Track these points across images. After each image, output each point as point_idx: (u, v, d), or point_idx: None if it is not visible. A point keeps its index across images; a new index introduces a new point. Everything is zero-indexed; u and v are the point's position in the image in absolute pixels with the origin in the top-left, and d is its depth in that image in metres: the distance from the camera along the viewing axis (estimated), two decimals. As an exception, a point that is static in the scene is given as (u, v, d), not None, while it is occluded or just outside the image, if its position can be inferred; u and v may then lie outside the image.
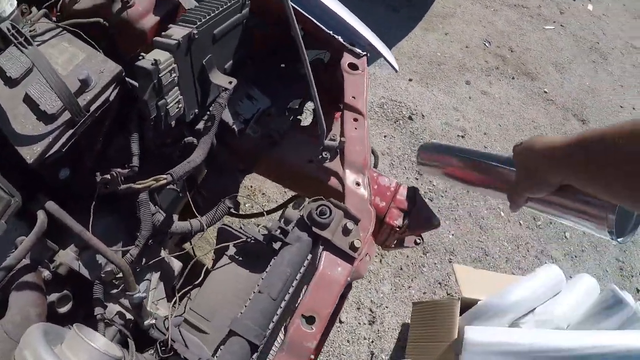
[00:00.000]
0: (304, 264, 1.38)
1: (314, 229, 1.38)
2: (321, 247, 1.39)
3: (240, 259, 1.53)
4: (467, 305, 2.59)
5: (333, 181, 1.71)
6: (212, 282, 1.51)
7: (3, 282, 1.22)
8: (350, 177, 1.54)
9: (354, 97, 1.68)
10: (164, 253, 1.65)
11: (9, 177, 1.26)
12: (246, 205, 3.12)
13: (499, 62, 5.15)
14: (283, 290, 1.32)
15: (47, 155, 1.30)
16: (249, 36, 1.83)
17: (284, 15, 1.54)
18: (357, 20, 1.90)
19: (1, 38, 1.36)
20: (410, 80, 4.54)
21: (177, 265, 1.68)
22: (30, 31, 1.44)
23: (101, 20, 1.57)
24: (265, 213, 1.97)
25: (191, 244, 1.76)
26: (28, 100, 1.32)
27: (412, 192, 1.82)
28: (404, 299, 3.13)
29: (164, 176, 1.39)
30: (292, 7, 1.56)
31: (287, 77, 2.05)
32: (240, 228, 1.54)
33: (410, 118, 4.17)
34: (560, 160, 1.00)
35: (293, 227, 1.42)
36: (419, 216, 1.79)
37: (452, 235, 3.54)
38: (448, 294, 3.22)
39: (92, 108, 1.37)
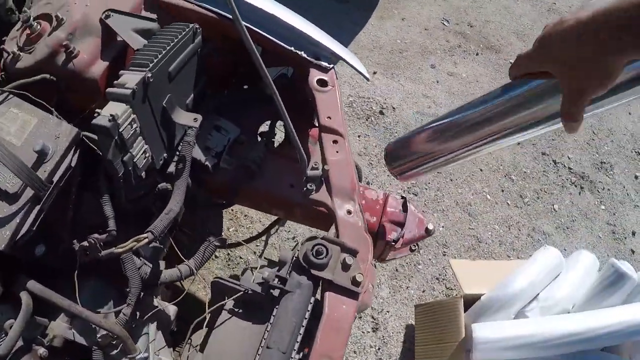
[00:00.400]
0: (308, 309, 1.31)
1: (312, 271, 1.31)
2: (323, 288, 1.32)
3: (240, 311, 1.46)
4: (470, 300, 2.53)
5: (314, 202, 1.61)
6: (216, 342, 1.44)
7: None
8: (340, 206, 1.45)
9: (329, 118, 1.58)
10: (156, 301, 1.59)
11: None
12: (230, 229, 3.02)
13: (460, 39, 5.09)
14: (292, 342, 1.25)
15: (17, 238, 1.20)
16: (205, 64, 1.72)
17: (237, 36, 1.44)
18: (318, 30, 1.80)
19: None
20: (374, 73, 4.43)
21: (172, 310, 1.63)
22: (-26, 101, 1.33)
23: (47, 76, 1.44)
24: (243, 243, 1.89)
25: (182, 287, 1.68)
26: (-16, 179, 1.22)
27: (403, 202, 1.76)
28: (404, 300, 3.06)
29: (144, 235, 1.30)
30: (246, 26, 1.46)
31: (251, 98, 1.95)
32: (230, 276, 1.46)
33: (381, 113, 4.08)
34: (628, 31, 0.73)
35: (290, 272, 1.34)
36: (413, 227, 1.73)
37: (443, 227, 3.47)
38: (447, 288, 3.16)
39: (55, 179, 1.27)
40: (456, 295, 2.91)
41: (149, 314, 1.52)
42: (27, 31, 1.49)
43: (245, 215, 3.13)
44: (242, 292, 1.42)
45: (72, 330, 1.36)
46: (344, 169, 1.52)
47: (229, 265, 2.87)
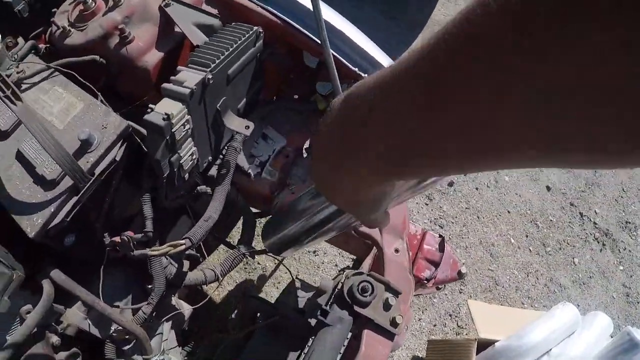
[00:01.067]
0: (344, 344, 1.28)
1: (355, 307, 1.28)
2: (361, 325, 1.29)
3: (272, 335, 1.41)
4: (481, 343, 2.49)
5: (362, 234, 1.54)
6: None
7: None
8: (389, 244, 1.40)
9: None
10: (174, 299, 1.55)
11: (8, 245, 1.13)
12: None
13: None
14: None
15: (49, 227, 1.14)
16: (262, 70, 1.66)
17: (297, 43, 1.36)
18: (383, 53, 1.72)
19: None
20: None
21: (187, 311, 1.59)
22: (17, 72, 1.27)
23: (97, 57, 1.38)
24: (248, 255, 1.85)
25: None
26: (21, 158, 1.16)
27: (440, 241, 1.71)
28: (414, 331, 2.99)
29: (182, 242, 1.25)
30: (310, 38, 1.40)
31: (300, 110, 1.88)
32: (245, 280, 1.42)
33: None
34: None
35: (331, 304, 1.30)
36: (447, 268, 1.68)
37: (463, 264, 3.38)
38: (458, 326, 3.09)
39: (97, 171, 1.19)
40: (469, 336, 2.84)
41: (168, 316, 1.48)
42: (81, 7, 1.43)
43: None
44: (277, 315, 1.38)
45: (88, 320, 1.33)
46: (397, 205, 1.46)
47: (245, 269, 2.81)
